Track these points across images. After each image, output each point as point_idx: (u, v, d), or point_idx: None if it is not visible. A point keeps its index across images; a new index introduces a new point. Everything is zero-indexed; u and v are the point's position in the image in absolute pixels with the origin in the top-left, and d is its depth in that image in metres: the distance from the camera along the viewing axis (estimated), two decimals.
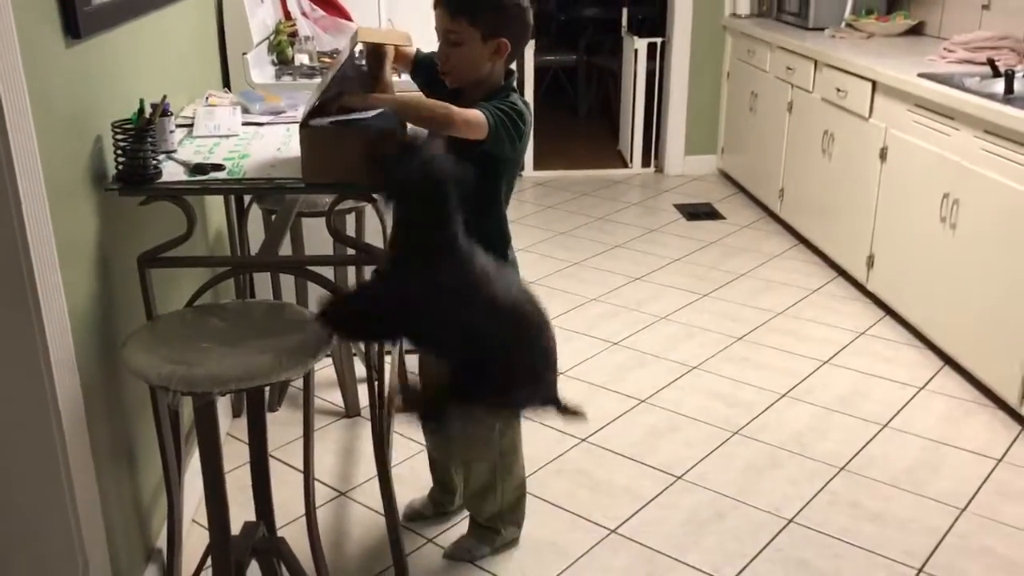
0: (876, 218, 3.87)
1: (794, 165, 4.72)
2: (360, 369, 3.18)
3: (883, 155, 3.78)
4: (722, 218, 5.17)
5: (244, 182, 2.04)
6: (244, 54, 3.16)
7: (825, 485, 2.73)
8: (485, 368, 1.89)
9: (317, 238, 2.74)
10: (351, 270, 2.94)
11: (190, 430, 2.57)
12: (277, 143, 2.36)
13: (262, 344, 1.89)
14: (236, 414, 3.08)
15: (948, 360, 3.44)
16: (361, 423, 3.09)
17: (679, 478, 2.78)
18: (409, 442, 2.92)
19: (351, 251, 2.18)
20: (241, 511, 2.16)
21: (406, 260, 1.86)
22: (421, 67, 2.27)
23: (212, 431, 1.87)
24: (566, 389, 2.42)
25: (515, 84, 2.16)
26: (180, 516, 2.21)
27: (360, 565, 2.41)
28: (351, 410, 3.14)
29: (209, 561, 2.02)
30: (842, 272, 4.29)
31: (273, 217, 2.69)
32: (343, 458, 2.90)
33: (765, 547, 2.47)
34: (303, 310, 2.10)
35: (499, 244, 2.15)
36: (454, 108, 1.94)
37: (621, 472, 2.81)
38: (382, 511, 2.36)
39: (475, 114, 1.96)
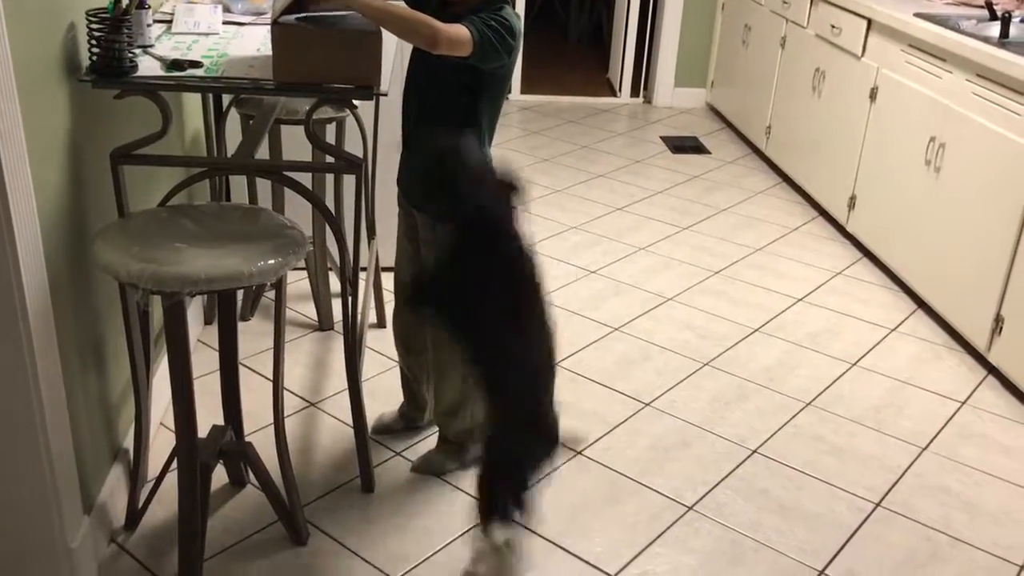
0: (861, 159, 3.85)
1: (783, 102, 4.68)
2: (335, 283, 3.17)
3: (873, 95, 3.74)
4: (708, 152, 5.14)
5: (222, 80, 1.99)
6: None
7: (791, 419, 2.77)
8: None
9: (295, 146, 2.69)
10: (329, 178, 2.89)
11: (159, 334, 2.55)
12: (257, 43, 2.30)
13: (235, 248, 1.86)
14: (208, 321, 3.06)
15: (922, 304, 3.47)
16: (334, 337, 3.08)
17: (647, 405, 2.80)
18: (382, 358, 2.92)
19: (329, 158, 2.14)
20: (210, 416, 2.16)
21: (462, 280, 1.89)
22: None
23: (181, 331, 1.85)
24: None
25: None
26: (147, 418, 2.20)
27: (326, 474, 2.43)
28: (324, 323, 3.12)
29: (175, 463, 2.03)
30: (823, 212, 4.28)
31: (251, 122, 2.63)
32: (314, 370, 2.90)
33: (727, 476, 2.50)
34: (279, 216, 2.07)
35: None
36: (439, 27, 1.87)
37: (591, 397, 2.83)
38: (351, 423, 2.36)
39: (461, 31, 1.90)
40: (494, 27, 1.96)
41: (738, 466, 2.55)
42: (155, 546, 2.15)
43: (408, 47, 2.10)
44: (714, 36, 5.75)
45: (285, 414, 2.23)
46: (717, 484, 2.46)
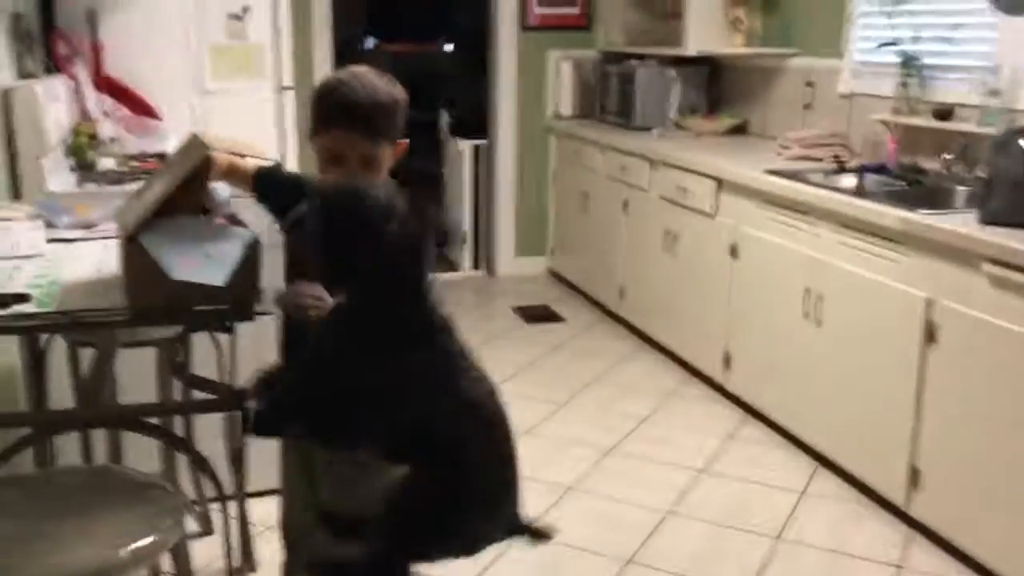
0: (731, 316, 3.79)
1: (635, 265, 4.64)
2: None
3: (733, 252, 3.72)
4: (562, 320, 5.00)
5: (64, 315, 1.60)
6: (39, 158, 2.68)
7: None
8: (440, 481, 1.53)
9: (134, 372, 2.26)
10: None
11: None
12: (94, 263, 1.92)
13: (91, 528, 1.43)
14: None
15: (820, 459, 3.35)
16: None
17: None
18: None
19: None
20: None
21: (361, 346, 1.49)
22: (270, 188, 1.89)
23: None
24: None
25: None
26: None
27: None
28: None
29: None
30: (695, 372, 4.18)
31: (94, 353, 2.18)
32: None
33: None
34: (131, 471, 1.66)
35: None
36: None
37: None
38: None
39: None
40: None
41: None
42: None
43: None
44: (549, 204, 5.75)
45: None
46: None
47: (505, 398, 3.92)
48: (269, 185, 1.88)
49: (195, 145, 1.72)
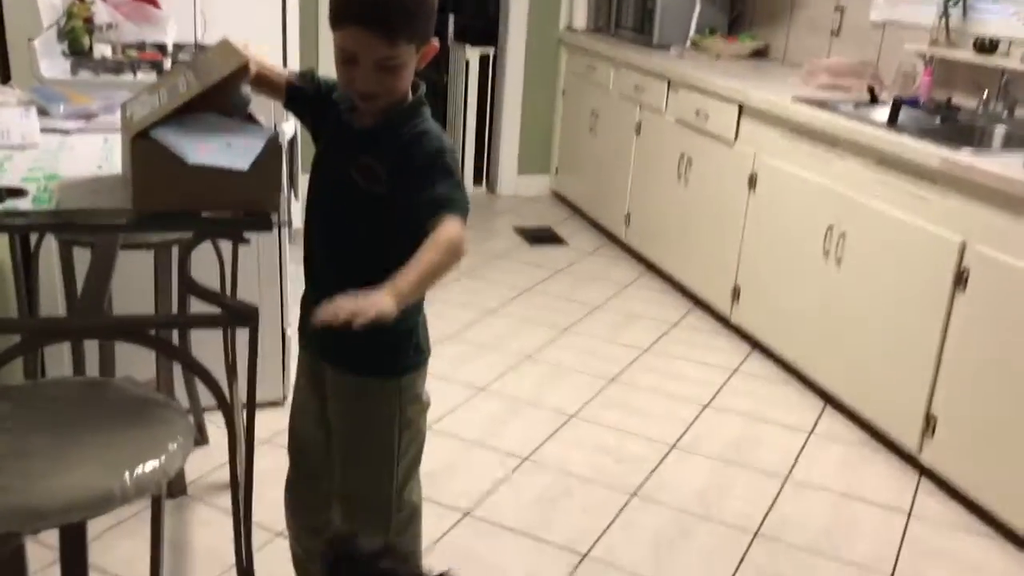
0: (742, 249, 3.68)
1: (643, 189, 4.50)
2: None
3: (752, 182, 3.59)
4: (564, 243, 4.88)
5: (62, 215, 1.46)
6: (31, 40, 2.49)
7: (744, 556, 2.44)
8: None
9: (128, 277, 2.12)
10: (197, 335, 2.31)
11: None
12: (95, 158, 1.77)
13: (88, 449, 1.33)
14: None
15: (829, 399, 3.28)
16: (188, 506, 2.49)
17: (585, 556, 2.39)
18: (260, 531, 2.36)
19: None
20: None
21: None
22: (304, 98, 1.74)
23: None
24: (435, 445, 1.99)
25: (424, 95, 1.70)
26: None
27: None
28: (175, 488, 2.53)
29: None
30: (700, 303, 4.08)
31: (91, 255, 2.03)
32: (170, 554, 2.30)
33: None
34: (133, 386, 1.55)
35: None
36: (457, 243, 1.49)
37: (516, 553, 2.39)
38: None
39: (455, 224, 1.52)
40: (455, 180, 1.60)
41: None
42: None
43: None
44: (555, 121, 5.56)
45: None
46: None
47: (506, 321, 3.81)
48: (301, 92, 1.73)
49: (231, 51, 1.56)
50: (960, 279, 2.63)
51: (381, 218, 1.61)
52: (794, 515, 2.63)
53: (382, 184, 1.59)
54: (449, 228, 1.51)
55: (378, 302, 1.36)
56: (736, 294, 3.74)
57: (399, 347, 1.74)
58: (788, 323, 3.42)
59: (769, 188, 3.50)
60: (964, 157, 2.63)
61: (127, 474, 1.26)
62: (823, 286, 3.19)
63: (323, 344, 1.74)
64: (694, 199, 4.02)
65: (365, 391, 1.74)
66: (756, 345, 3.69)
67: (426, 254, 1.47)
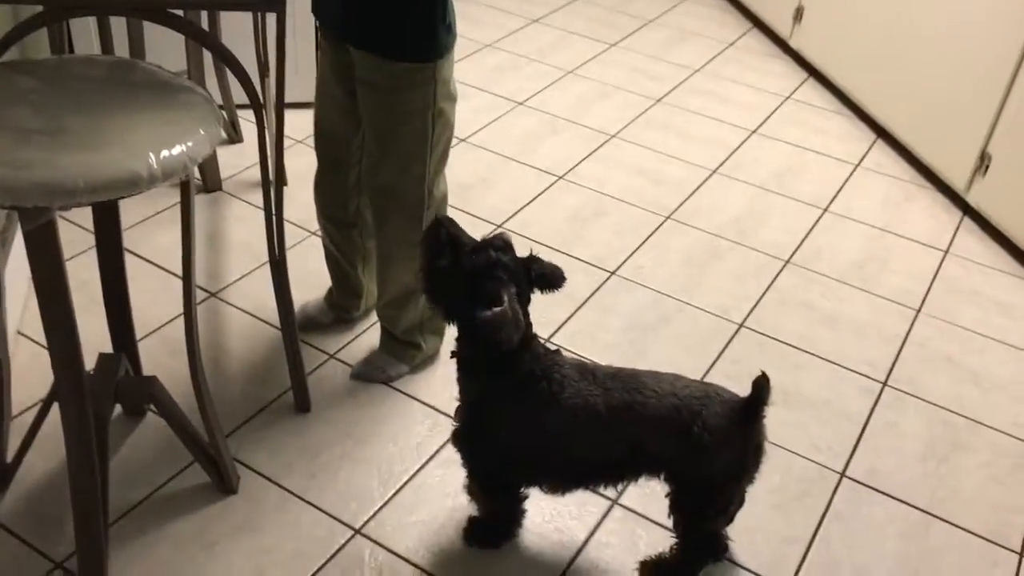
0: None
1: None
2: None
3: None
4: None
5: None
6: None
7: (772, 282, 2.45)
8: None
9: None
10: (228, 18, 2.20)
11: (5, 226, 1.94)
12: None
13: (115, 130, 1.29)
14: None
15: (882, 132, 3.16)
16: (224, 200, 2.51)
17: (612, 273, 2.42)
18: (291, 227, 2.39)
19: None
20: (86, 325, 1.60)
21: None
22: None
23: (54, 266, 1.29)
24: (469, 158, 1.93)
25: None
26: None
27: (246, 391, 1.95)
28: (210, 182, 2.54)
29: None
30: (759, 23, 3.85)
31: None
32: (205, 246, 2.35)
33: (717, 359, 2.18)
34: (160, 70, 1.49)
35: None
36: None
37: None
38: (265, 316, 1.87)
39: None
40: None
41: (727, 345, 2.22)
42: (37, 512, 1.66)
43: None
44: None
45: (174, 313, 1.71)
46: (709, 369, 2.13)
47: (551, 32, 3.58)
48: None
49: None
50: None
51: None
52: (828, 246, 2.61)
53: None
54: None
55: None
56: (799, 14, 3.50)
57: (429, 26, 1.62)
58: (850, 48, 3.23)
59: None
60: None
61: (152, 156, 1.23)
62: (892, 11, 2.97)
63: (346, 23, 1.64)
64: None
65: (399, 80, 1.66)
66: (813, 72, 3.51)
67: None
